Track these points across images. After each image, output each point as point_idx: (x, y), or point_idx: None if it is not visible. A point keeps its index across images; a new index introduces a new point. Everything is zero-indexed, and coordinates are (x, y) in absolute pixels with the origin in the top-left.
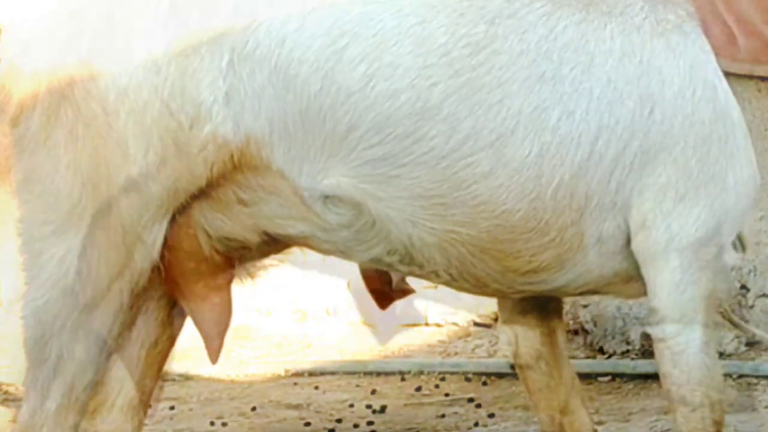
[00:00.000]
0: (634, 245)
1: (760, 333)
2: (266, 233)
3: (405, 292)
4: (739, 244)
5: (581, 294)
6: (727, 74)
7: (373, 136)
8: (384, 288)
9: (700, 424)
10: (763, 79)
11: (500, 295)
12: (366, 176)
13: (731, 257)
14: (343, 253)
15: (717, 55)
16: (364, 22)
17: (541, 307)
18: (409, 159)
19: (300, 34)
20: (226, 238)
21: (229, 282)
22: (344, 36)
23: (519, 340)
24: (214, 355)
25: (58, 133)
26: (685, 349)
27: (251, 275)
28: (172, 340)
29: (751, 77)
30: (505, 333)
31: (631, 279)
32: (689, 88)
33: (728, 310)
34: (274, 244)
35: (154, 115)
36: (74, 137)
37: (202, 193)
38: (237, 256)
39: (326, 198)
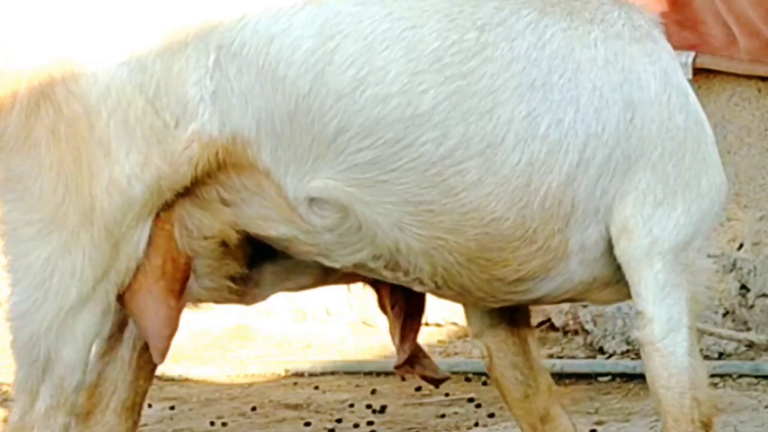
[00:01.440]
0: (617, 250)
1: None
2: (246, 234)
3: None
4: None
5: (559, 302)
6: (727, 74)
7: (362, 140)
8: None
9: (690, 427)
10: (763, 79)
11: (482, 304)
12: (354, 180)
13: (706, 262)
14: (324, 257)
15: (717, 55)
16: (354, 24)
17: (509, 317)
18: (398, 164)
19: (289, 34)
20: (204, 237)
21: (183, 292)
22: (334, 38)
23: (492, 352)
24: (160, 354)
25: (38, 133)
26: (673, 351)
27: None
28: None
29: (751, 77)
30: (478, 347)
31: (608, 285)
32: (665, 94)
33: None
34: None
35: (138, 113)
36: (56, 137)
37: (186, 191)
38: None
39: (312, 200)
